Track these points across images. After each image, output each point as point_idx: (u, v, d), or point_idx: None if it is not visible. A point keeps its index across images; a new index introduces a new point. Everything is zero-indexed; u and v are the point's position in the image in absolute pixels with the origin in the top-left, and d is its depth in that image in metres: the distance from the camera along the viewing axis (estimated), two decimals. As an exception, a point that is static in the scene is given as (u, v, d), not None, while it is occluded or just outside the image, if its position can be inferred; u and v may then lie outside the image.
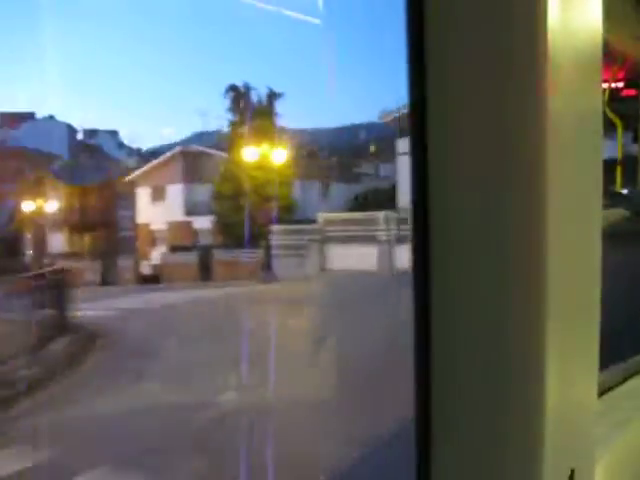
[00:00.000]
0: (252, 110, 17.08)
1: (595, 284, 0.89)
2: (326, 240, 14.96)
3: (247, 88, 17.38)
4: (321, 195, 18.41)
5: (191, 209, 19.50)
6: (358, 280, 12.45)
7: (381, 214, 14.67)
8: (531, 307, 0.75)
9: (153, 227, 20.42)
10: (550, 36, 0.72)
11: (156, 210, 20.06)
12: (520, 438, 0.77)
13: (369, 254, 13.66)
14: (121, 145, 25.61)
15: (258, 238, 15.75)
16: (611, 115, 4.34)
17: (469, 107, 0.76)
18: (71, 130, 23.82)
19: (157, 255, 19.29)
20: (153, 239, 20.31)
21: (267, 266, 15.53)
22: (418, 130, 0.79)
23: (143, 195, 20.93)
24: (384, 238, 13.92)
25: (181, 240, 18.87)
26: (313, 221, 15.85)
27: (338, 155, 19.73)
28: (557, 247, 0.76)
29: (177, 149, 20.47)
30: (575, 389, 0.86)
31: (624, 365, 1.51)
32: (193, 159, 19.67)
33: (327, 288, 13.45)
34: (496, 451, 0.77)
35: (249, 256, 15.83)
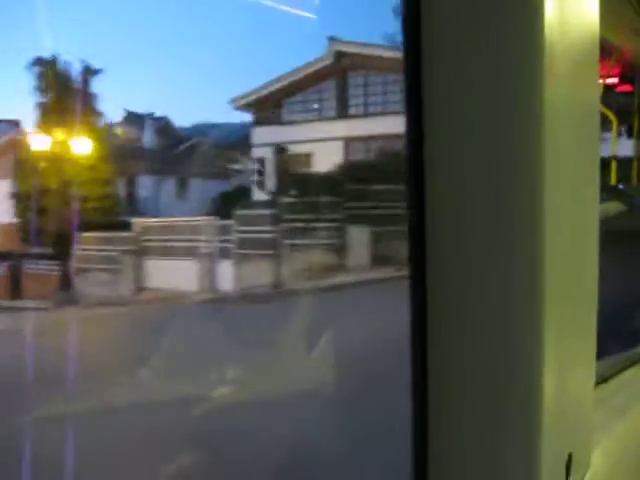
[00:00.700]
0: (64, 88, 13.62)
1: (593, 274, 0.91)
2: (144, 252, 12.56)
3: (54, 61, 13.50)
4: (176, 194, 15.73)
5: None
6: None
7: (207, 220, 12.06)
8: (528, 296, 0.76)
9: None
10: (547, 31, 0.73)
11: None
12: (518, 424, 0.78)
13: (188, 271, 11.43)
14: None
15: (61, 247, 13.26)
16: (606, 111, 4.36)
17: (464, 105, 0.77)
18: None
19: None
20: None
21: (66, 283, 12.93)
22: (414, 128, 0.80)
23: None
24: (206, 251, 11.58)
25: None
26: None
27: (203, 145, 16.54)
28: (554, 239, 0.77)
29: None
30: (573, 376, 0.88)
31: (621, 356, 1.53)
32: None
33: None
34: (494, 435, 0.79)
35: (48, 269, 12.99)
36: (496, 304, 0.78)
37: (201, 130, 15.61)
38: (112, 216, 13.34)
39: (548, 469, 0.78)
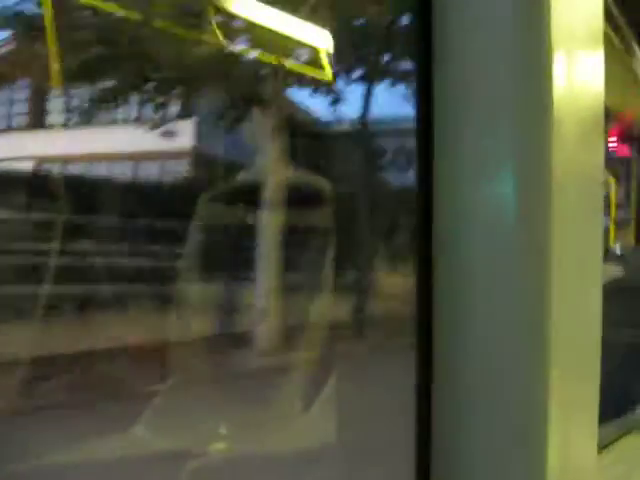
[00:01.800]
0: None
1: (596, 339, 0.90)
2: None
3: None
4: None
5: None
6: None
7: None
8: (533, 362, 0.76)
9: None
10: (555, 96, 0.74)
11: None
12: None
13: None
14: None
15: None
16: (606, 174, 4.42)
17: (471, 167, 0.78)
18: None
19: None
20: None
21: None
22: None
23: None
24: None
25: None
26: None
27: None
28: (559, 302, 0.77)
29: None
30: (576, 445, 0.86)
31: (621, 421, 1.51)
32: None
33: None
34: None
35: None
36: (497, 365, 0.77)
37: None
38: None
39: None
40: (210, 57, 6.14)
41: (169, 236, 7.16)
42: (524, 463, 0.76)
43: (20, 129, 9.29)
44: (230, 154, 8.72)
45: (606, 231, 4.56)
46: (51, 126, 9.06)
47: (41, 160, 9.02)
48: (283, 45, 6.09)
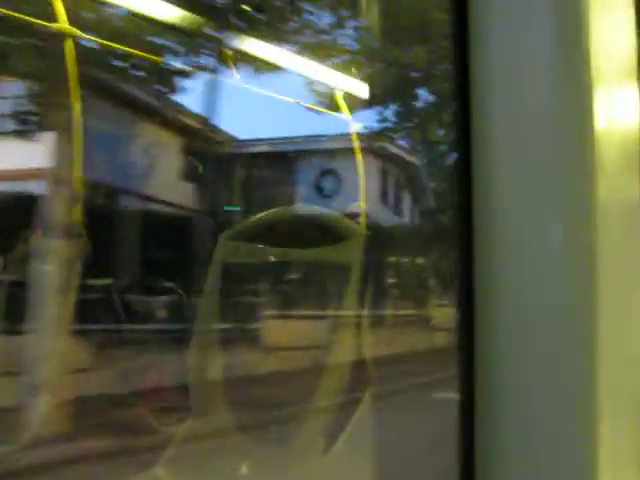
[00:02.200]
0: None
1: None
2: None
3: None
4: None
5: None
6: None
7: None
8: (581, 390, 0.76)
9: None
10: (596, 130, 0.76)
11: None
12: None
13: None
14: None
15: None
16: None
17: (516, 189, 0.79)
18: None
19: None
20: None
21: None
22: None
23: None
24: None
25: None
26: None
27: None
28: (606, 333, 0.77)
29: None
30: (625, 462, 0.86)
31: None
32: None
33: None
34: None
35: None
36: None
37: None
38: None
39: None
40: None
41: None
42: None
43: None
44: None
45: None
46: None
47: None
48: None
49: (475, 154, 0.81)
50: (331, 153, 12.74)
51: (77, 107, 4.22)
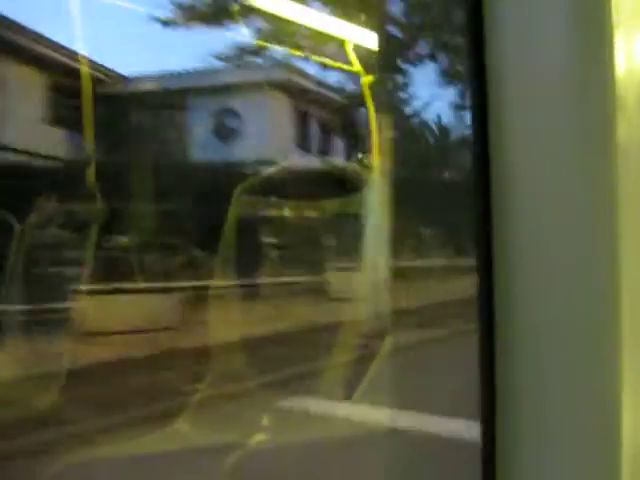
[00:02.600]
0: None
1: None
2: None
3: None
4: None
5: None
6: None
7: None
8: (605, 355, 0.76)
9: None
10: (617, 74, 0.74)
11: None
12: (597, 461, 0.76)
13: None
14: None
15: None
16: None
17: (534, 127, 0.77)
18: None
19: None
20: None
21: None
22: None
23: None
24: None
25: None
26: None
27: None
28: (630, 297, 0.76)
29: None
30: None
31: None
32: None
33: None
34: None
35: None
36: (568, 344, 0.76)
37: None
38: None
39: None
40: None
41: None
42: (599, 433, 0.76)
43: None
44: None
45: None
46: None
47: None
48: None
49: (491, 100, 0.79)
50: (230, 89, 10.72)
51: None
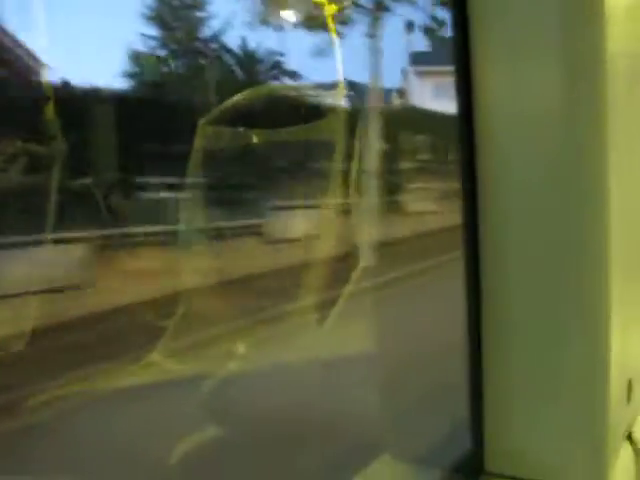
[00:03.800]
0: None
1: None
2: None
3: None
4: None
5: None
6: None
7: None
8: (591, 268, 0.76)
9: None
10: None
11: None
12: (582, 351, 0.78)
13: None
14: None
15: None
16: None
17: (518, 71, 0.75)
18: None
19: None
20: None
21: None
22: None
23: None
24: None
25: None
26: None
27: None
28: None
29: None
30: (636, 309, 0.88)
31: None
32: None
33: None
34: (556, 360, 0.79)
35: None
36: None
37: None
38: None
39: (609, 393, 0.79)
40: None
41: None
42: (586, 320, 0.78)
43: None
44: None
45: None
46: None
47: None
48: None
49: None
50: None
51: None
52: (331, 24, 7.31)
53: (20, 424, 4.03)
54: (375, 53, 8.86)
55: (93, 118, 7.41)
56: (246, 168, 8.46)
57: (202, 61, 12.45)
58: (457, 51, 0.77)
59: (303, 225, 8.16)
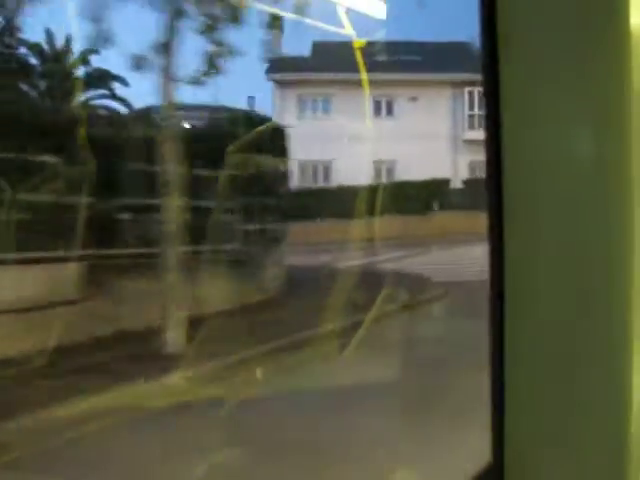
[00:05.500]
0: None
1: None
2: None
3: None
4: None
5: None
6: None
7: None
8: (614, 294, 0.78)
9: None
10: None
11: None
12: (605, 373, 0.79)
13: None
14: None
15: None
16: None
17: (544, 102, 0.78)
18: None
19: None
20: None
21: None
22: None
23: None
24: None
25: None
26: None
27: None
28: None
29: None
30: None
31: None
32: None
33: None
34: (580, 383, 0.81)
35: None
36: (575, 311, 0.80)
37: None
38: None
39: (633, 419, 0.79)
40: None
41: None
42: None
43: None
44: None
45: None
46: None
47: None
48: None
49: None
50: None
51: None
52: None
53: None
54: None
55: None
56: None
57: None
58: (489, 111, 0.82)
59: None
